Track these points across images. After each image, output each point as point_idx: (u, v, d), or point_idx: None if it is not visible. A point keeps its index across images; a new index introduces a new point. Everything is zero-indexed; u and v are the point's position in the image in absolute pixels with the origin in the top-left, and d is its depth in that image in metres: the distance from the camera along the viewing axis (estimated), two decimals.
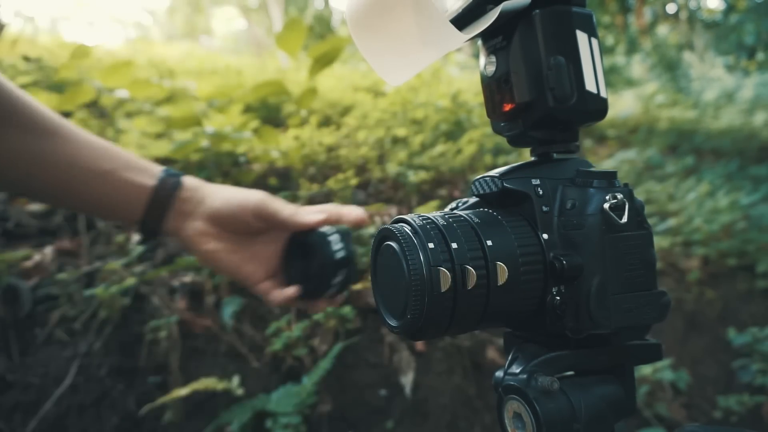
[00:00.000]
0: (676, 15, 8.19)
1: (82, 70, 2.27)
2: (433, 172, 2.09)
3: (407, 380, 1.46)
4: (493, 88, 0.45)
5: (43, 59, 2.46)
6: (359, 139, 2.23)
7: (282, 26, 1.91)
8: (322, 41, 1.98)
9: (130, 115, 2.17)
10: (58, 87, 2.07)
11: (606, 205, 0.41)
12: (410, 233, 0.40)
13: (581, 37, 0.43)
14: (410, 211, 1.88)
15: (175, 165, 1.86)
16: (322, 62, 1.90)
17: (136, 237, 1.64)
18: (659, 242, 2.27)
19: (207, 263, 0.68)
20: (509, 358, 0.44)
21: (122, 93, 2.02)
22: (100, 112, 2.19)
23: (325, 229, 0.69)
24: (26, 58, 2.31)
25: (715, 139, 4.09)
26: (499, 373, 0.44)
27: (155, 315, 1.42)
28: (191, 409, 1.33)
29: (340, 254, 0.68)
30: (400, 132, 2.30)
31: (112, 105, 2.19)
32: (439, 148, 2.19)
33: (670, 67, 6.41)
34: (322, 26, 8.83)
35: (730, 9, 7.44)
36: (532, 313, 0.42)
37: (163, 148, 1.81)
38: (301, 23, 1.89)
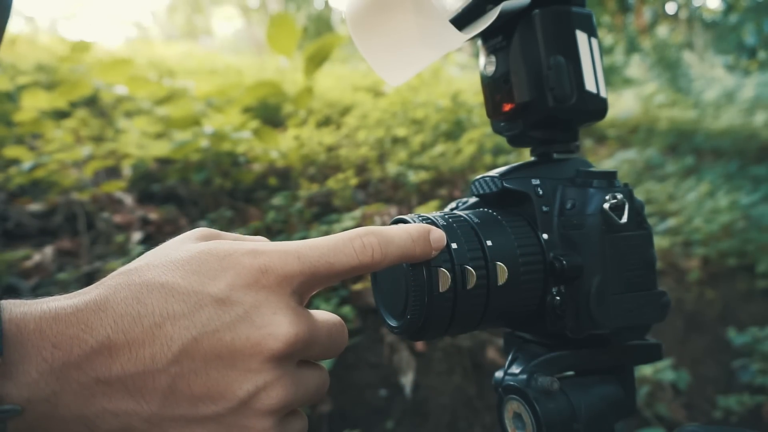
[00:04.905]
0: (675, 15, 8.19)
1: (81, 67, 2.27)
2: (433, 172, 2.09)
3: (407, 380, 1.46)
4: (493, 88, 0.45)
5: (43, 59, 2.46)
6: (359, 139, 2.23)
7: (269, 23, 1.86)
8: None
9: (129, 114, 2.17)
10: (57, 86, 2.07)
11: (606, 205, 0.41)
12: None
13: (581, 36, 0.43)
14: (410, 211, 1.88)
15: (174, 165, 1.86)
16: (316, 60, 1.88)
17: (136, 237, 1.64)
18: (659, 242, 2.27)
19: None
20: (509, 358, 0.44)
21: (121, 89, 2.01)
22: (99, 112, 2.19)
23: None
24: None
25: (715, 139, 4.09)
26: (499, 374, 0.43)
27: None
28: None
29: None
30: (400, 132, 2.30)
31: (111, 103, 2.19)
32: (439, 148, 2.19)
33: (669, 66, 6.41)
34: (321, 26, 8.82)
35: (729, 9, 7.44)
36: (532, 313, 0.42)
37: (162, 147, 1.81)
38: (289, 19, 1.84)
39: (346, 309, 1.44)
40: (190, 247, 0.32)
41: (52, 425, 0.28)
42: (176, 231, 1.73)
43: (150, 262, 0.31)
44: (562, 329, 0.41)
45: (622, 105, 4.68)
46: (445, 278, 0.38)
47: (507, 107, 0.44)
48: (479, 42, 0.46)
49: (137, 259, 0.33)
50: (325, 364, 1.34)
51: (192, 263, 0.31)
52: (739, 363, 1.97)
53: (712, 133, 4.20)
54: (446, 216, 0.41)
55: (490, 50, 0.45)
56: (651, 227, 0.43)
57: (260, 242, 0.34)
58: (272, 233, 1.67)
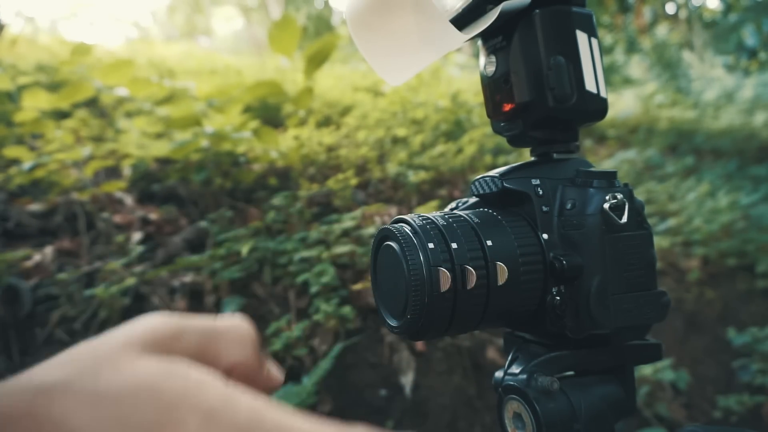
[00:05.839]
0: (675, 15, 8.19)
1: (81, 69, 2.27)
2: (433, 172, 2.09)
3: (407, 380, 1.46)
4: (493, 88, 0.45)
5: (43, 59, 2.46)
6: (359, 139, 2.23)
7: (272, 26, 1.87)
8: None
9: (129, 114, 2.17)
10: (57, 87, 2.07)
11: (606, 205, 0.41)
12: (410, 233, 0.40)
13: (581, 37, 0.43)
14: (410, 211, 1.88)
15: (174, 165, 1.86)
16: (316, 61, 1.88)
17: (136, 237, 1.64)
18: (659, 242, 2.27)
19: None
20: (509, 358, 0.44)
21: (122, 91, 2.02)
22: (100, 112, 2.19)
23: None
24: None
25: (715, 139, 4.09)
26: (499, 373, 0.43)
27: None
28: None
29: None
30: (400, 132, 2.30)
31: (112, 104, 2.19)
32: (439, 148, 2.19)
33: (669, 66, 6.41)
34: (321, 26, 8.82)
35: (729, 8, 7.44)
36: (532, 313, 0.42)
37: (162, 148, 1.81)
38: (292, 22, 1.85)
39: (346, 309, 1.44)
40: (131, 369, 0.22)
41: None
42: (176, 231, 1.73)
43: (70, 382, 0.22)
44: (562, 329, 0.41)
45: (622, 105, 4.68)
46: (445, 278, 0.38)
47: (507, 107, 0.44)
48: (479, 42, 0.46)
49: (60, 363, 0.23)
50: (325, 364, 1.34)
51: (123, 407, 0.21)
52: (739, 363, 1.97)
53: (712, 133, 4.20)
54: (446, 216, 0.41)
55: (490, 50, 0.45)
56: (651, 227, 0.43)
57: (226, 391, 0.21)
58: (272, 233, 1.67)
